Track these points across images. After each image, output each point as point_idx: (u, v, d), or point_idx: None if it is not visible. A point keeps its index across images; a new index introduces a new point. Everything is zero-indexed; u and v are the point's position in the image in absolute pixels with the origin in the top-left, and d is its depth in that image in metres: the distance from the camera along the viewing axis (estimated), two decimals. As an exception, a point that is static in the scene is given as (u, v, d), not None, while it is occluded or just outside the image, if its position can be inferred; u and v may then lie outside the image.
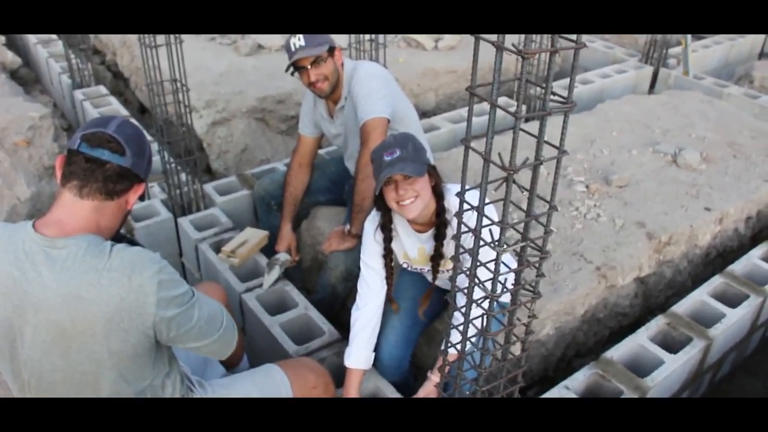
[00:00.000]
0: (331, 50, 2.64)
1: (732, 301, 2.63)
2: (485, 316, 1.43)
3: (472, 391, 1.55)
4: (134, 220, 3.13)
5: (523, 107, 4.13)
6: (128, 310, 1.40)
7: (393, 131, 2.68)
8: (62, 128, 4.47)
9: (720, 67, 5.66)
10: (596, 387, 2.29)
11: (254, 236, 2.88)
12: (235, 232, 3.00)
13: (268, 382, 1.91)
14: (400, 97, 2.84)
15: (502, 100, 4.42)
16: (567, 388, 2.22)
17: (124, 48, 5.09)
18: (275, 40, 4.88)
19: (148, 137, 1.90)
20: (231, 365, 2.23)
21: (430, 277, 2.27)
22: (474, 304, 1.41)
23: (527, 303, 1.49)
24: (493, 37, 1.13)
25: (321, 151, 3.42)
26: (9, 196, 3.56)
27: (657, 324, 2.50)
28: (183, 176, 3.14)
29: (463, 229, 1.36)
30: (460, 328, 1.46)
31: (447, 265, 2.17)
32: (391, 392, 2.23)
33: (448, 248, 2.12)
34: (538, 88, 4.26)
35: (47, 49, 5.07)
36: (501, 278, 1.36)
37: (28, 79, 5.41)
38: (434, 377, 2.11)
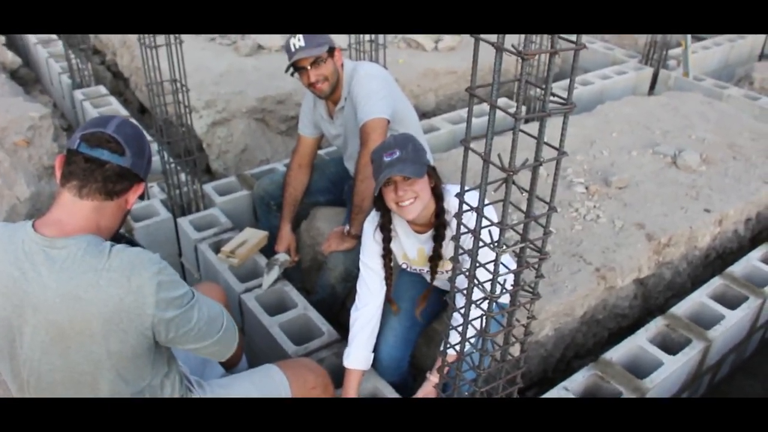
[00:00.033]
0: (331, 51, 2.64)
1: (731, 302, 2.63)
2: (484, 317, 1.43)
3: (471, 392, 1.55)
4: (134, 220, 3.13)
5: (523, 108, 4.13)
6: (127, 310, 1.40)
7: (393, 132, 2.68)
8: (62, 128, 4.48)
9: (720, 69, 5.66)
10: (595, 388, 2.29)
11: (254, 236, 2.88)
12: (234, 232, 3.00)
13: (267, 383, 1.91)
14: (400, 97, 2.84)
15: (501, 101, 4.42)
16: (566, 389, 2.22)
17: (124, 48, 5.09)
18: (275, 40, 4.88)
19: (148, 137, 1.90)
20: (230, 365, 2.23)
21: (429, 278, 2.27)
22: (473, 305, 1.41)
23: (526, 304, 1.49)
24: (493, 38, 1.13)
25: (320, 152, 3.42)
26: (9, 196, 3.56)
27: (656, 325, 2.50)
28: (182, 176, 3.14)
29: (463, 229, 1.36)
30: (459, 329, 1.46)
31: (446, 266, 2.17)
32: (390, 393, 2.23)
33: (448, 249, 2.12)
34: (538, 89, 4.26)
35: (47, 49, 5.07)
36: (500, 279, 1.36)
37: (28, 79, 5.41)
38: (433, 378, 2.11)
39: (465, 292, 1.40)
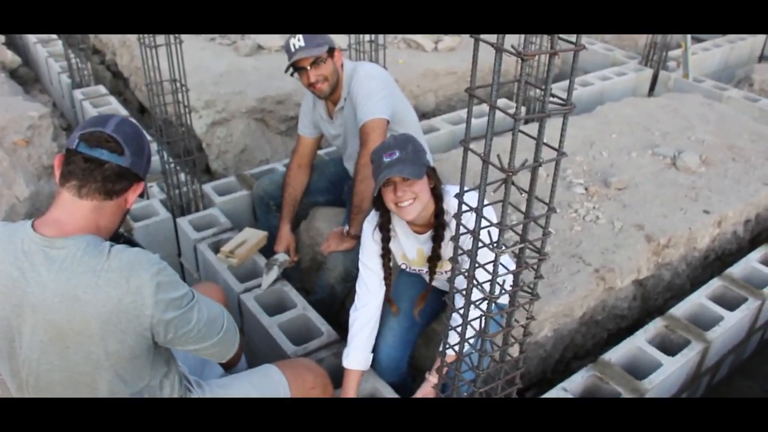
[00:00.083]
0: (331, 51, 2.64)
1: (730, 304, 2.63)
2: (483, 318, 1.43)
3: (470, 392, 1.55)
4: (133, 219, 3.13)
5: (523, 109, 4.13)
6: (125, 311, 1.40)
7: (392, 132, 2.68)
8: (61, 128, 4.48)
9: (720, 70, 5.66)
10: (594, 389, 2.29)
11: (253, 236, 2.88)
12: (233, 232, 3.00)
13: (266, 383, 1.91)
14: (400, 98, 2.84)
15: (501, 102, 4.43)
16: (565, 390, 2.22)
17: (124, 48, 5.09)
18: (275, 40, 4.88)
19: (148, 137, 1.90)
20: (229, 365, 2.22)
21: (428, 279, 2.27)
22: (472, 306, 1.41)
23: (525, 305, 1.49)
24: (493, 38, 1.13)
25: (320, 152, 3.42)
26: (8, 196, 3.56)
27: (655, 326, 2.50)
28: (182, 176, 3.14)
29: (462, 230, 1.36)
30: (459, 329, 1.46)
31: (445, 266, 2.17)
32: (389, 393, 2.23)
33: (447, 250, 2.12)
34: (538, 90, 4.26)
35: (47, 49, 5.07)
36: (499, 280, 1.36)
37: (27, 78, 5.41)
38: (432, 378, 2.11)
39: (464, 292, 1.40)
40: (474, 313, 1.43)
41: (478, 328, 1.45)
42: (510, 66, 4.73)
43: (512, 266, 1.41)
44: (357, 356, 2.16)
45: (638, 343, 2.41)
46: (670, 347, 2.44)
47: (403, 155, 1.91)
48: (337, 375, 2.21)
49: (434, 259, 2.13)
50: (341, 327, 2.47)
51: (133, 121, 1.63)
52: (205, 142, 4.16)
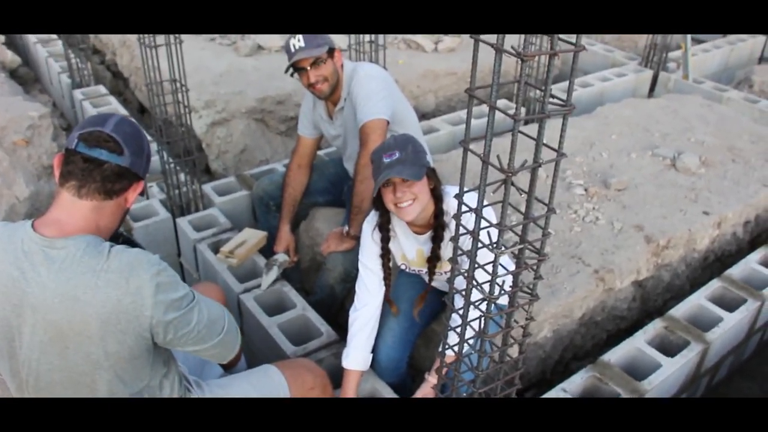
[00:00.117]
0: (331, 51, 2.64)
1: (730, 305, 2.63)
2: (483, 318, 1.43)
3: (469, 393, 1.55)
4: (133, 219, 3.13)
5: (522, 110, 4.13)
6: (125, 312, 1.39)
7: (392, 133, 2.68)
8: (61, 128, 4.48)
9: (720, 71, 5.67)
10: (593, 390, 2.29)
11: (253, 237, 2.88)
12: (233, 232, 3.00)
13: (265, 383, 1.91)
14: (400, 98, 2.84)
15: (501, 103, 4.43)
16: (564, 391, 2.22)
17: (124, 48, 5.09)
18: (275, 40, 4.88)
19: (147, 137, 1.89)
20: (229, 366, 2.22)
21: (427, 279, 2.27)
22: (472, 306, 1.41)
23: (525, 305, 1.49)
24: (493, 39, 1.13)
25: (320, 153, 3.42)
26: (8, 195, 3.56)
27: (654, 327, 2.50)
28: (182, 176, 3.14)
29: (462, 231, 1.36)
30: (458, 330, 1.46)
31: (444, 267, 2.17)
32: (389, 393, 2.23)
33: (446, 250, 2.12)
34: (538, 91, 4.26)
35: (47, 49, 5.07)
36: (499, 280, 1.36)
37: (27, 78, 5.41)
38: (432, 379, 2.11)
39: (464, 293, 1.40)
40: (473, 313, 1.44)
41: (477, 328, 1.45)
42: (510, 67, 4.73)
43: (512, 267, 1.41)
44: (356, 356, 2.16)
45: (638, 344, 2.41)
46: (669, 348, 2.44)
47: (403, 156, 1.91)
48: (337, 375, 2.21)
49: (434, 259, 2.13)
50: (341, 327, 2.47)
51: (132, 120, 1.63)
52: (205, 142, 4.16)
